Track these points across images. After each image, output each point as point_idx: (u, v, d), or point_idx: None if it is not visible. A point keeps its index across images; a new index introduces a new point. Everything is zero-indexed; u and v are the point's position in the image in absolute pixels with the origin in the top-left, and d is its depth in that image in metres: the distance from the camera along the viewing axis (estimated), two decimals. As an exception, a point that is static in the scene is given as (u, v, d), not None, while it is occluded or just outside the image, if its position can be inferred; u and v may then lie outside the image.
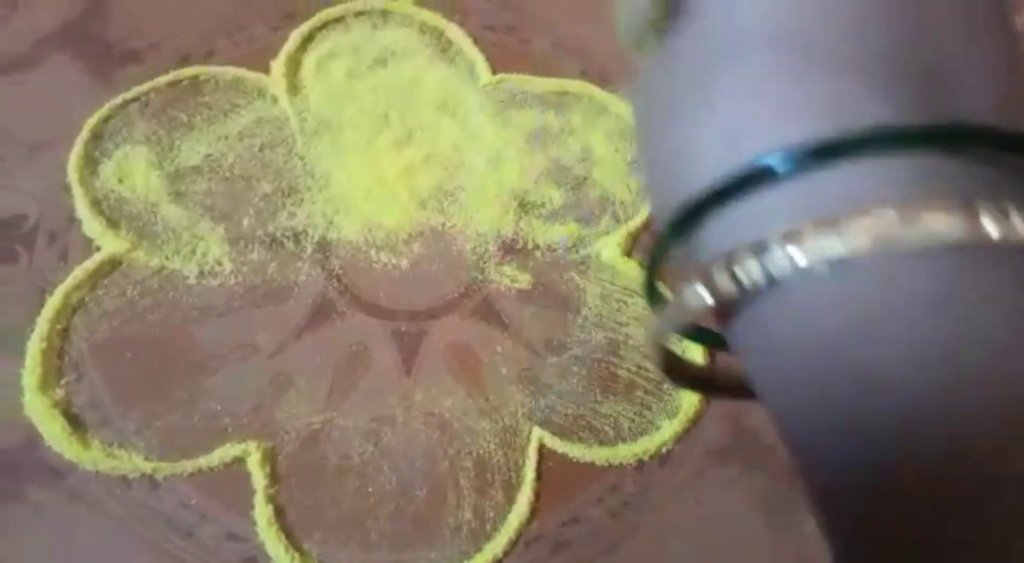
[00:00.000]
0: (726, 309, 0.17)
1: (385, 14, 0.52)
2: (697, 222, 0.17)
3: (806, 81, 0.17)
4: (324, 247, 0.44)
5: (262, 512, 0.38)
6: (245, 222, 0.44)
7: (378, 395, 0.41)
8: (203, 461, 0.39)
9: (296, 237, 0.44)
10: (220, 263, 0.43)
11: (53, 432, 0.38)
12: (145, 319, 0.42)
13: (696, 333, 0.21)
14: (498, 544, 0.38)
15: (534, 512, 0.39)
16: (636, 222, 0.45)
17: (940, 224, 0.15)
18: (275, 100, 0.48)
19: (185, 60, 0.48)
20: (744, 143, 0.17)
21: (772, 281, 0.16)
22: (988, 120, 0.17)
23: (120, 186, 0.45)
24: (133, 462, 0.39)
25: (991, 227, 0.15)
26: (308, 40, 0.50)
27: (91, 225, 0.43)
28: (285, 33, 0.50)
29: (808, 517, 0.37)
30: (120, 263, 0.43)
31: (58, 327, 0.41)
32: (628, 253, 0.45)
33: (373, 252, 0.44)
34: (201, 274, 0.43)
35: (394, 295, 0.43)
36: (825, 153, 0.16)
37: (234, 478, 0.39)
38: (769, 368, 0.17)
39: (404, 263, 0.44)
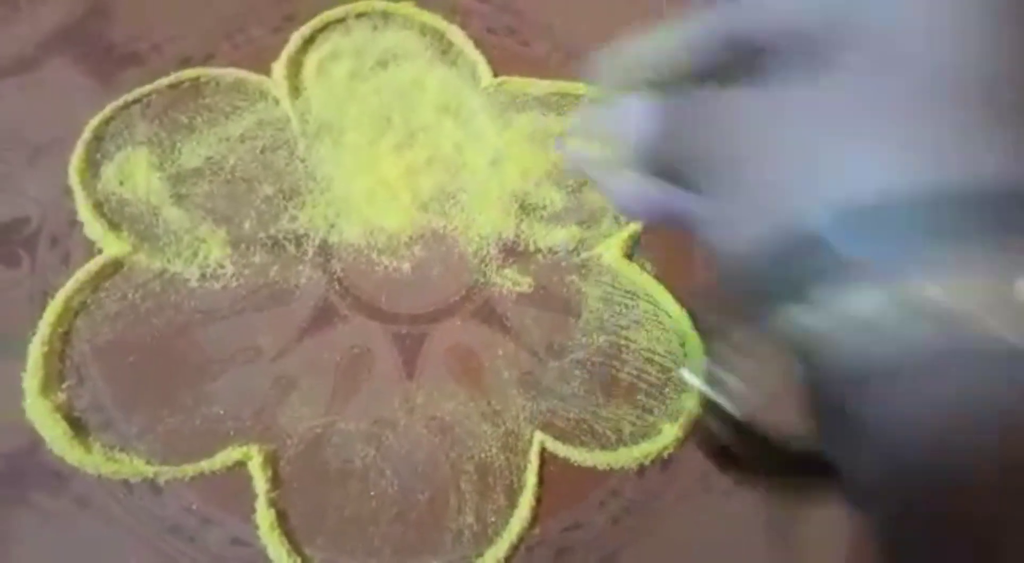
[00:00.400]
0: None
1: (386, 16, 0.51)
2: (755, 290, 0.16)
3: (944, 132, 0.16)
4: (326, 250, 0.44)
5: (264, 516, 0.38)
6: (247, 225, 0.44)
7: (380, 398, 0.41)
8: (205, 465, 0.39)
9: (298, 240, 0.44)
10: (222, 266, 0.43)
11: (55, 436, 0.38)
12: (147, 322, 0.42)
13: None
14: (500, 549, 0.38)
15: (536, 517, 0.39)
16: (637, 225, 0.45)
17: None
18: (276, 102, 0.48)
19: (186, 62, 0.48)
20: (867, 182, 0.16)
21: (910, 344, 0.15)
22: None
23: (121, 188, 0.45)
24: (135, 466, 0.39)
25: None
26: (309, 42, 0.50)
27: (93, 228, 0.43)
28: (286, 35, 0.50)
29: (809, 524, 0.37)
30: (122, 266, 0.43)
31: (60, 330, 0.41)
32: (629, 256, 0.45)
33: (375, 255, 0.44)
34: (203, 277, 0.43)
35: (395, 298, 0.43)
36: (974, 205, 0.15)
37: (236, 482, 0.39)
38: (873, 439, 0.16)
39: (406, 266, 0.44)
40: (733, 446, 0.19)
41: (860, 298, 0.15)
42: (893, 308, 0.14)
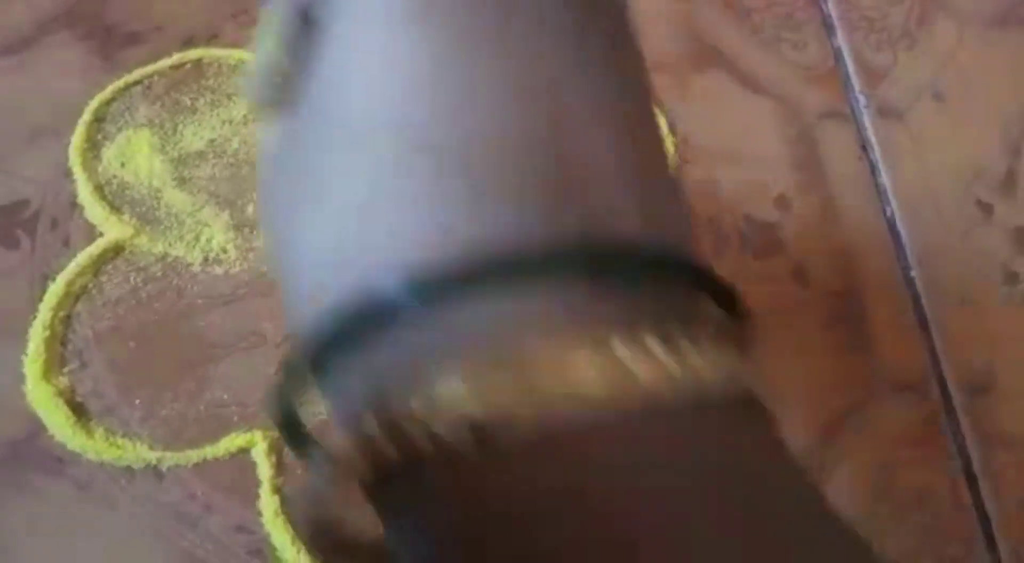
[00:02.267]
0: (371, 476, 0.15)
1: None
2: (322, 361, 0.15)
3: (425, 179, 0.15)
4: (330, 234, 0.43)
5: (268, 503, 0.38)
6: (250, 208, 0.44)
7: (385, 385, 0.40)
8: (208, 451, 0.38)
9: (302, 224, 0.44)
10: (225, 250, 0.43)
11: (56, 421, 0.38)
12: (149, 307, 0.41)
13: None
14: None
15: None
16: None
17: (581, 369, 0.13)
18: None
19: (189, 42, 0.48)
20: (359, 255, 0.15)
21: (398, 440, 0.14)
22: (634, 233, 0.15)
23: (123, 171, 0.44)
24: (137, 452, 0.38)
25: (634, 366, 0.14)
26: (313, 23, 0.49)
27: (93, 211, 0.43)
28: (290, 15, 0.49)
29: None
30: (123, 249, 0.42)
31: (61, 314, 0.40)
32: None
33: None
34: (206, 261, 0.42)
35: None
36: (451, 284, 0.14)
37: (240, 468, 0.38)
38: (411, 541, 0.15)
39: (411, 251, 0.43)
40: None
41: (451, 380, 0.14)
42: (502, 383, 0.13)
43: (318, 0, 0.16)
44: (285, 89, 0.17)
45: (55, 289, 0.40)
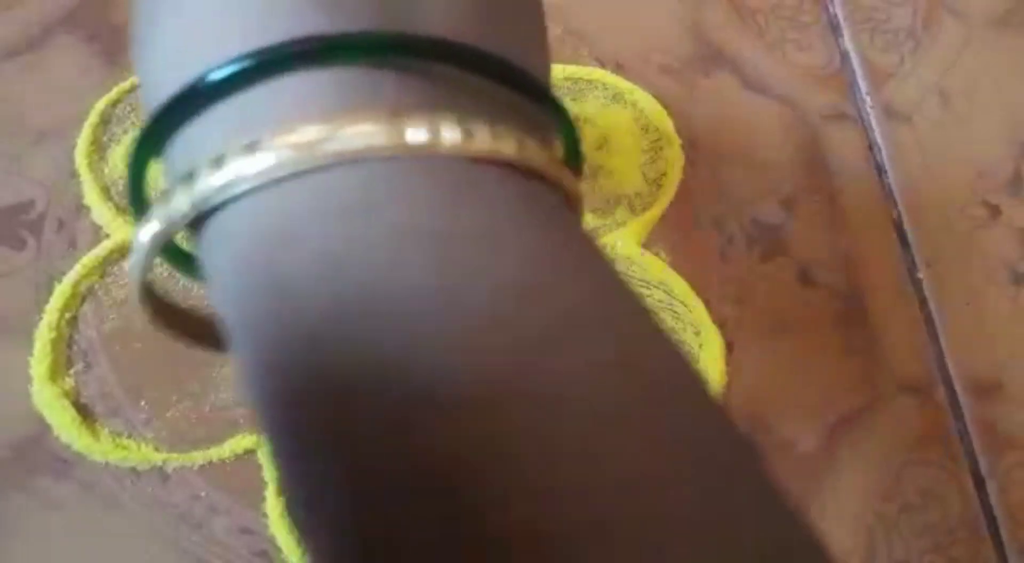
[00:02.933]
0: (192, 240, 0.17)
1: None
2: (154, 144, 0.17)
3: (255, 6, 0.16)
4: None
5: (274, 504, 0.38)
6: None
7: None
8: (214, 452, 0.38)
9: (307, 225, 0.44)
10: (230, 251, 0.42)
11: (62, 422, 0.38)
12: (155, 308, 0.41)
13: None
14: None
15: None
16: (652, 213, 0.45)
17: (362, 135, 0.15)
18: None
19: (194, 44, 0.48)
20: (188, 57, 0.16)
21: (202, 209, 0.15)
22: (442, 33, 0.16)
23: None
24: (143, 453, 0.38)
25: (415, 137, 0.15)
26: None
27: (100, 212, 0.42)
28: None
29: (813, 508, 0.37)
30: (129, 250, 0.42)
31: (67, 316, 0.40)
32: (644, 245, 0.44)
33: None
34: (211, 262, 0.42)
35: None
36: (256, 65, 0.15)
37: (245, 470, 0.38)
38: (217, 294, 0.17)
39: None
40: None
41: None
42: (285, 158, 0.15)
43: None
44: None
45: (61, 290, 0.40)
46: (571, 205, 0.18)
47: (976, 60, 0.50)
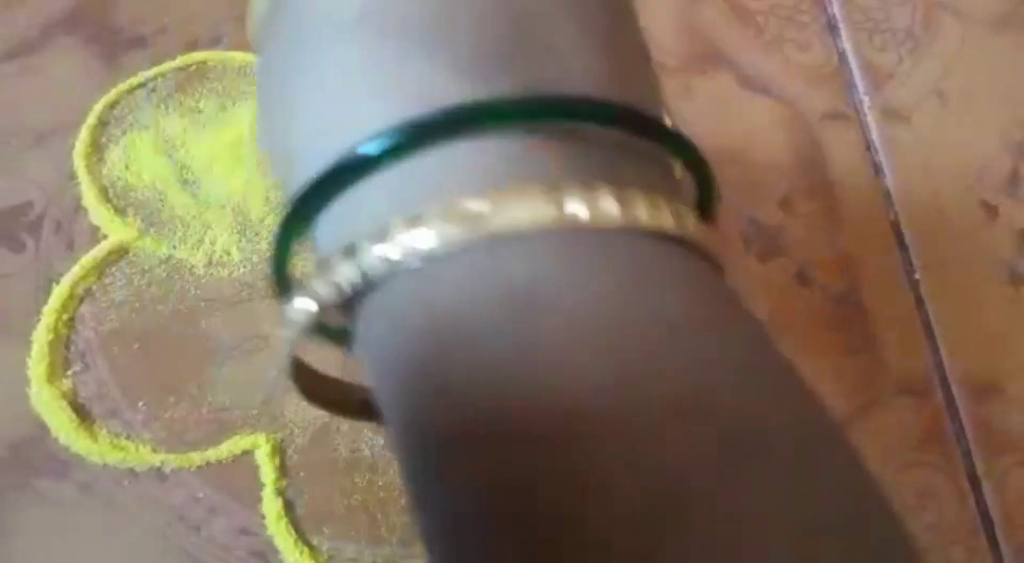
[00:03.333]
0: (343, 314, 0.17)
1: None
2: (303, 219, 0.17)
3: (390, 62, 0.16)
4: (333, 237, 0.43)
5: (271, 506, 0.38)
6: (254, 211, 0.44)
7: (388, 388, 0.40)
8: (211, 454, 0.39)
9: (305, 226, 0.44)
10: (229, 252, 0.43)
11: (60, 423, 0.38)
12: (153, 309, 0.41)
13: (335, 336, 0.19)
14: (509, 540, 0.38)
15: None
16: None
17: (526, 210, 0.14)
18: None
19: (193, 45, 0.48)
20: (338, 131, 0.16)
21: (369, 283, 0.15)
22: (585, 91, 0.16)
23: (127, 173, 0.44)
24: (141, 454, 0.38)
25: (578, 209, 0.15)
26: (317, 25, 0.49)
27: (98, 213, 0.43)
28: (294, 18, 0.49)
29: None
30: (127, 252, 0.42)
31: (65, 317, 0.40)
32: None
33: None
34: (209, 263, 0.42)
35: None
36: (409, 137, 0.15)
37: (243, 471, 0.38)
38: (375, 368, 0.16)
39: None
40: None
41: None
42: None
43: None
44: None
45: (59, 292, 0.41)
46: (715, 263, 0.17)
47: (975, 60, 0.50)
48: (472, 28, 0.16)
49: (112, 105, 0.46)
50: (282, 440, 0.39)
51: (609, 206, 0.15)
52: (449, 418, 0.14)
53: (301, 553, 0.37)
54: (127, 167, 0.44)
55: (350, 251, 0.15)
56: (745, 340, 0.16)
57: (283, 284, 0.18)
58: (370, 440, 0.39)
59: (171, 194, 0.44)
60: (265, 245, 0.43)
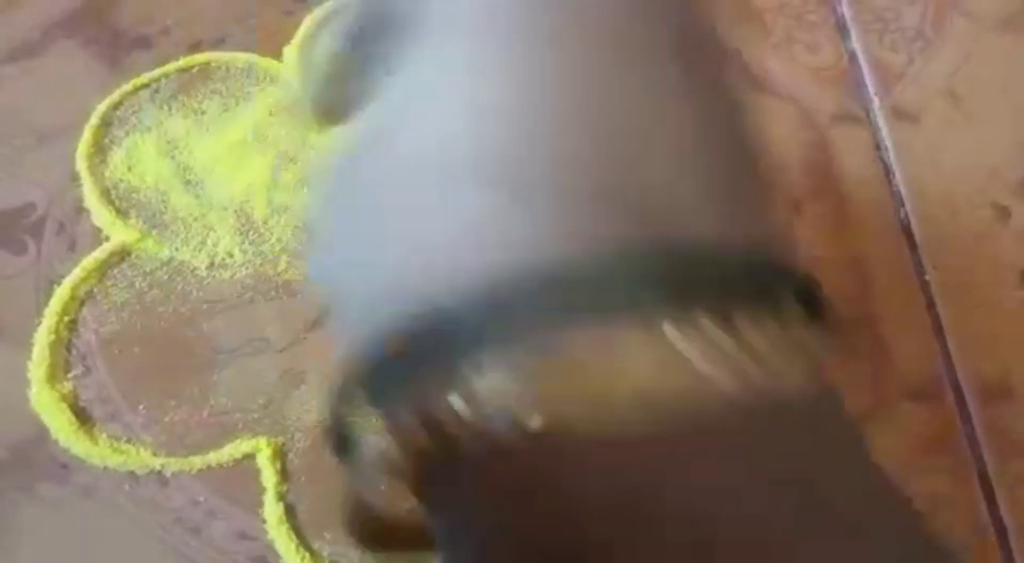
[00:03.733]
0: (421, 466, 0.15)
1: None
2: (386, 371, 0.15)
3: (501, 214, 0.15)
4: (336, 239, 0.43)
5: (272, 510, 0.37)
6: (256, 213, 0.43)
7: (391, 391, 0.40)
8: (212, 457, 0.38)
9: (308, 228, 0.43)
10: (231, 254, 0.42)
11: (60, 426, 0.38)
12: (154, 311, 0.41)
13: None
14: (512, 545, 0.37)
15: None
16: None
17: (629, 354, 0.13)
18: (288, 87, 0.47)
19: (196, 46, 0.48)
20: (435, 282, 0.15)
21: (448, 447, 0.14)
22: (707, 237, 0.16)
23: (129, 175, 0.44)
24: (141, 457, 0.38)
25: (726, 377, 0.14)
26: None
27: (100, 215, 0.42)
28: (298, 18, 0.49)
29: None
30: (129, 254, 0.42)
31: (66, 319, 0.40)
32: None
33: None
34: (211, 265, 0.42)
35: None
36: (517, 295, 0.14)
37: (244, 475, 0.38)
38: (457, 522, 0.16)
39: (418, 256, 0.43)
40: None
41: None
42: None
43: (397, 10, 0.17)
44: (341, 93, 0.18)
45: (60, 294, 0.40)
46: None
47: (985, 60, 0.50)
48: (592, 186, 0.15)
49: (115, 106, 0.46)
50: (283, 444, 0.39)
51: (720, 346, 0.14)
52: None
53: (302, 558, 0.36)
54: (129, 169, 0.44)
55: (426, 405, 0.14)
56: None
57: (341, 439, 0.17)
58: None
59: (173, 196, 0.43)
60: (267, 247, 0.42)
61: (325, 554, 0.37)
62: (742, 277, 0.15)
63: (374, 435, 0.15)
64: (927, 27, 0.50)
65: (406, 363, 0.15)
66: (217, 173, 0.44)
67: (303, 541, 0.37)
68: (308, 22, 0.49)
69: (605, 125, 0.16)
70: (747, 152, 0.18)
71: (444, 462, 0.15)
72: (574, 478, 0.14)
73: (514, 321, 0.14)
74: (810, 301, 0.16)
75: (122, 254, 0.42)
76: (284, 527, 0.37)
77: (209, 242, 0.43)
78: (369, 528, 0.19)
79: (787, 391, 0.14)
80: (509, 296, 0.14)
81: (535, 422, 0.14)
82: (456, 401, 0.14)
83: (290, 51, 0.48)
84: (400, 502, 0.17)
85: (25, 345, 0.39)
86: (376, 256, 0.16)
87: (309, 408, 0.39)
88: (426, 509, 0.16)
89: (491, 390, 0.14)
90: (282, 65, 0.47)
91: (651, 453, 0.14)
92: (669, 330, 0.14)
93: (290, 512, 0.37)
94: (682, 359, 0.13)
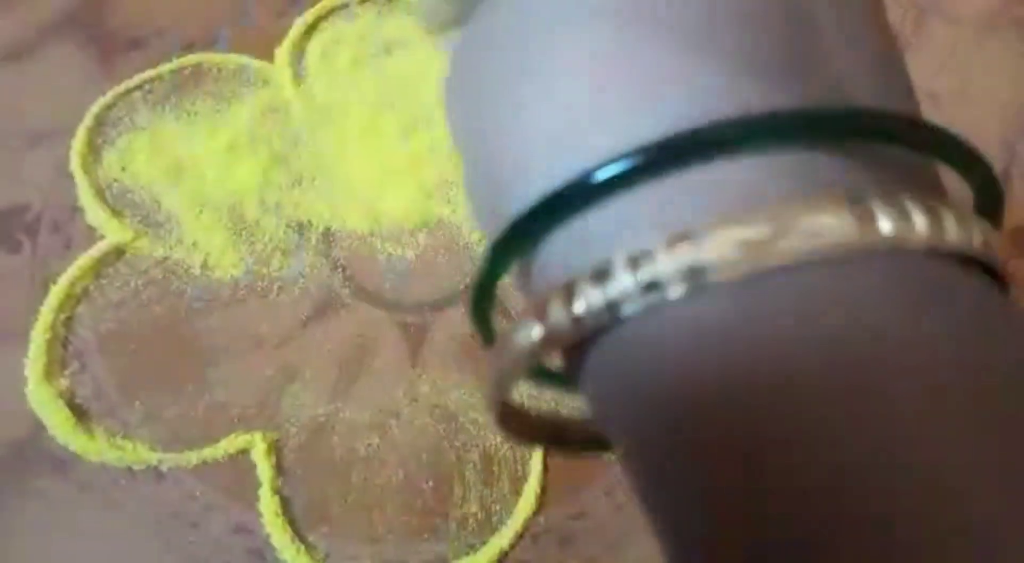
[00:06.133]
0: (571, 346, 0.14)
1: (391, 1, 0.51)
2: (529, 240, 0.14)
3: (655, 60, 0.14)
4: (329, 237, 0.44)
5: (268, 504, 0.38)
6: (249, 211, 0.44)
7: (384, 387, 0.41)
8: (208, 452, 0.39)
9: (300, 227, 0.44)
10: (224, 253, 0.43)
11: (57, 422, 0.38)
12: (149, 309, 0.41)
13: (545, 376, 0.17)
14: (504, 537, 0.38)
15: (541, 505, 0.39)
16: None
17: (825, 228, 0.12)
18: (280, 88, 0.48)
19: (188, 47, 0.48)
20: (583, 139, 0.14)
21: (618, 312, 0.13)
22: (870, 102, 0.15)
23: (124, 174, 0.44)
24: (138, 453, 0.38)
25: (888, 226, 0.13)
26: (313, 27, 0.50)
27: (95, 214, 0.43)
28: (289, 20, 0.49)
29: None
30: (124, 252, 0.43)
31: (62, 317, 0.41)
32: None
33: (378, 243, 0.44)
34: (205, 264, 0.43)
35: (400, 286, 0.43)
36: (683, 150, 0.13)
37: (240, 469, 0.39)
38: (623, 413, 0.15)
39: (410, 254, 0.44)
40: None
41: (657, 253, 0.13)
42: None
43: None
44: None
45: (56, 292, 0.41)
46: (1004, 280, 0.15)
47: (965, 61, 0.51)
48: (744, 28, 0.14)
49: (109, 107, 0.46)
50: (278, 439, 0.39)
51: (922, 222, 0.13)
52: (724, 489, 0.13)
53: (298, 551, 0.37)
54: (123, 168, 0.44)
55: (601, 274, 0.13)
56: None
57: (485, 312, 0.16)
58: (366, 439, 0.39)
59: (167, 195, 0.44)
60: (260, 246, 0.43)
61: (321, 547, 0.38)
62: (919, 151, 0.15)
63: (526, 307, 0.14)
64: (907, 29, 0.51)
65: (569, 214, 0.14)
66: (210, 173, 0.45)
67: (299, 534, 0.37)
68: (299, 25, 0.49)
69: None
70: (883, 17, 0.17)
71: (607, 330, 0.14)
72: (741, 343, 0.13)
73: (685, 182, 0.13)
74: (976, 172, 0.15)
75: (117, 253, 0.42)
76: (280, 520, 0.37)
77: (203, 241, 0.43)
78: (514, 417, 0.18)
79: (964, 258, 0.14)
80: (690, 154, 0.13)
81: (716, 278, 0.12)
82: (623, 258, 0.13)
83: (281, 53, 0.48)
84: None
85: (21, 343, 0.40)
86: (536, 117, 0.15)
87: (304, 403, 0.40)
88: (583, 385, 0.15)
89: (666, 248, 0.13)
90: (274, 66, 0.48)
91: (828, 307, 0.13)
92: (877, 210, 0.13)
93: (286, 506, 0.38)
94: (888, 239, 0.13)
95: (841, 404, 0.12)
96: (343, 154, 0.46)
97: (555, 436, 0.20)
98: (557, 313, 0.13)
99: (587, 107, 0.14)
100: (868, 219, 0.12)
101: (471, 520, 0.38)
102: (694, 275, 0.12)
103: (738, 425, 0.13)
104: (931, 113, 0.45)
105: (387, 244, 0.44)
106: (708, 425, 0.13)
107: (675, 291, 0.13)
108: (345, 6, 0.51)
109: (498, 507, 0.39)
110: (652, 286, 0.13)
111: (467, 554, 0.38)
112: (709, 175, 0.13)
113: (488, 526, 0.38)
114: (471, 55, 0.17)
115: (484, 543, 0.38)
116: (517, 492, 0.39)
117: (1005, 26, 0.51)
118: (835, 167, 0.13)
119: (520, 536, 0.38)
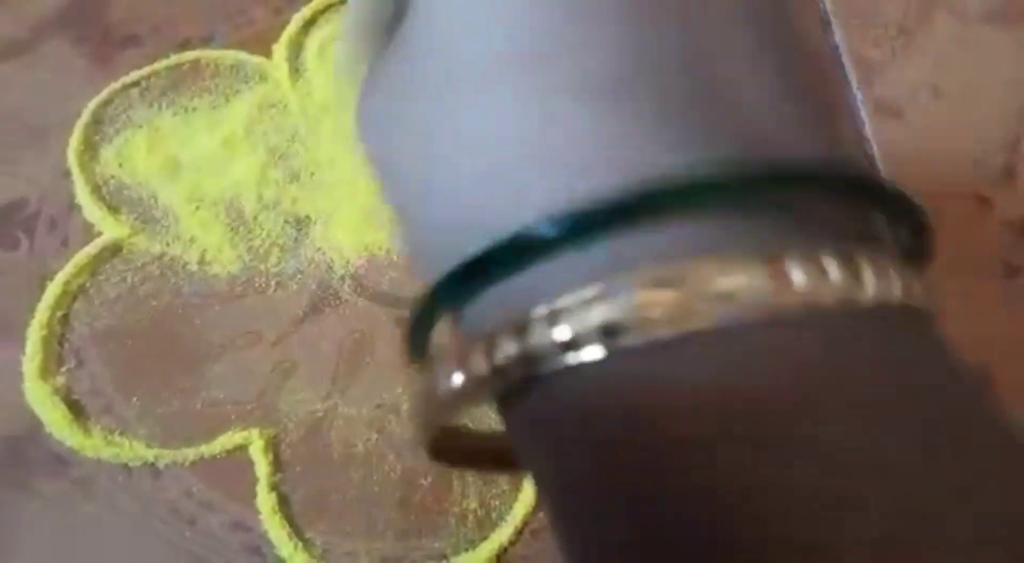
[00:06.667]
0: (497, 394, 0.15)
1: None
2: (451, 301, 0.15)
3: (575, 121, 0.14)
4: (327, 233, 0.44)
5: (265, 500, 0.38)
6: (246, 208, 0.44)
7: (382, 383, 0.40)
8: (205, 449, 0.38)
9: (298, 223, 0.44)
10: (221, 249, 0.43)
11: (54, 419, 0.38)
12: (146, 305, 0.41)
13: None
14: (504, 533, 0.37)
15: (540, 501, 0.38)
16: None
17: (740, 288, 0.12)
18: (277, 84, 0.47)
19: (185, 44, 0.48)
20: (499, 203, 0.14)
21: (536, 366, 0.13)
22: (797, 153, 0.14)
23: (120, 171, 0.44)
24: (135, 450, 0.38)
25: (801, 285, 0.13)
26: (310, 23, 0.50)
27: (92, 211, 0.43)
28: (287, 16, 0.49)
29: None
30: (121, 249, 0.42)
31: (58, 313, 0.41)
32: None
33: (376, 238, 0.44)
34: (202, 260, 0.42)
35: (398, 282, 0.43)
36: (604, 217, 0.13)
37: (237, 466, 0.38)
38: (538, 465, 0.15)
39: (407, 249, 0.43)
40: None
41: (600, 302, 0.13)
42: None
43: None
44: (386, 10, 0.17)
45: (53, 288, 0.41)
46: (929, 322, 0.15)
47: (967, 54, 0.50)
48: (658, 80, 0.14)
49: (105, 104, 0.46)
50: (276, 435, 0.39)
51: (837, 277, 0.13)
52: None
53: (295, 547, 0.37)
54: (120, 165, 0.44)
55: (520, 328, 0.13)
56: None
57: (419, 352, 0.16)
58: (364, 435, 0.39)
59: (164, 192, 0.44)
60: (258, 241, 0.43)
61: (319, 543, 0.37)
62: (845, 201, 0.14)
63: (450, 354, 0.14)
64: (910, 21, 0.51)
65: (491, 276, 0.14)
66: (207, 169, 0.45)
67: (297, 531, 0.37)
68: (297, 21, 0.49)
69: (683, 13, 0.15)
70: (824, 59, 0.17)
71: (526, 382, 0.14)
72: (660, 387, 0.13)
73: (630, 239, 0.13)
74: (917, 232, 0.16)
75: (114, 249, 0.42)
76: (277, 517, 0.37)
77: (200, 237, 0.43)
78: (447, 448, 0.18)
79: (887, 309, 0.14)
80: (615, 216, 0.13)
81: (630, 339, 0.13)
82: (541, 315, 0.13)
83: (279, 49, 0.48)
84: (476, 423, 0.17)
85: (18, 340, 0.39)
86: (451, 176, 0.15)
87: (302, 399, 0.40)
88: (507, 425, 0.16)
89: (582, 306, 0.13)
90: (272, 62, 0.48)
91: (746, 361, 0.13)
92: (792, 267, 0.13)
93: (283, 502, 0.38)
94: (793, 285, 0.13)
95: (739, 476, 0.12)
96: (341, 149, 0.46)
97: (497, 458, 0.20)
98: (477, 363, 0.14)
99: (502, 167, 0.14)
100: (782, 277, 0.13)
101: (470, 516, 0.38)
102: (609, 334, 0.13)
103: (641, 487, 0.13)
104: (935, 106, 0.45)
105: (385, 239, 0.44)
106: (611, 489, 0.14)
107: (590, 352, 0.13)
108: (343, 1, 0.50)
109: (497, 503, 0.38)
110: (569, 344, 0.13)
111: (466, 550, 0.37)
112: (629, 236, 0.13)
113: (487, 522, 0.38)
114: (381, 98, 0.17)
115: (483, 539, 0.38)
116: (516, 488, 0.39)
117: (1010, 18, 0.51)
118: (755, 222, 0.13)
119: (519, 532, 0.38)
